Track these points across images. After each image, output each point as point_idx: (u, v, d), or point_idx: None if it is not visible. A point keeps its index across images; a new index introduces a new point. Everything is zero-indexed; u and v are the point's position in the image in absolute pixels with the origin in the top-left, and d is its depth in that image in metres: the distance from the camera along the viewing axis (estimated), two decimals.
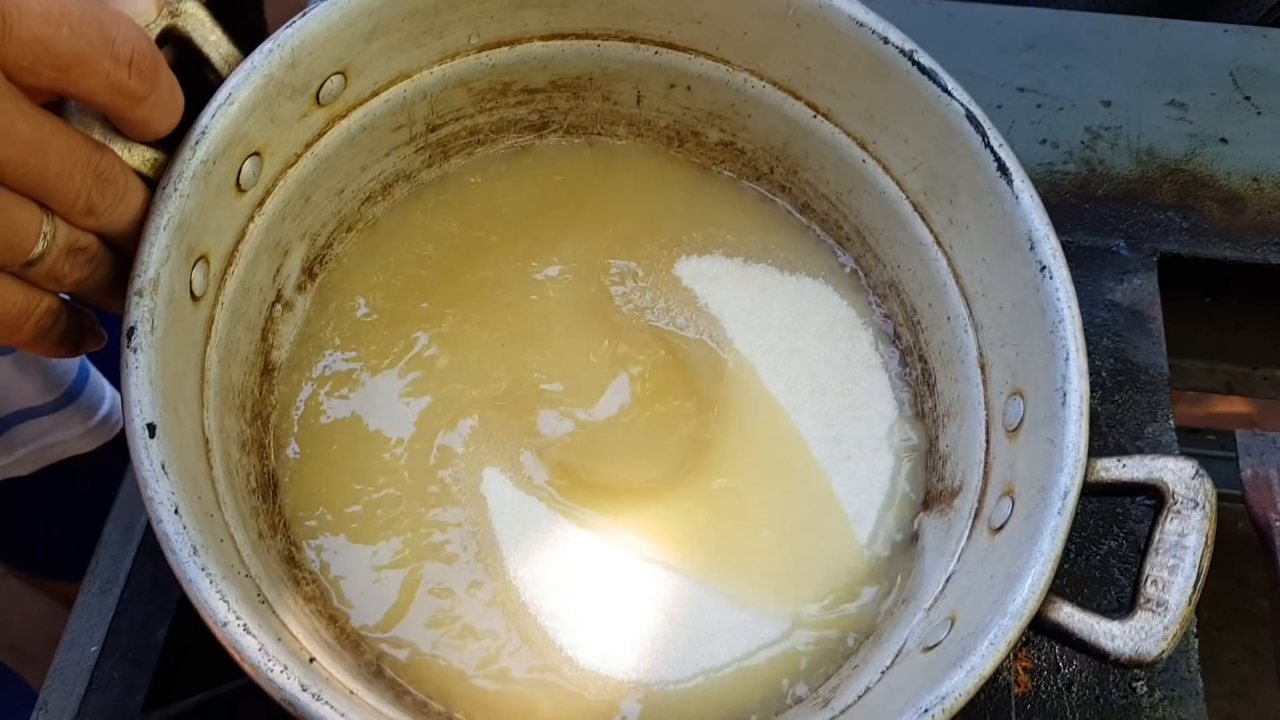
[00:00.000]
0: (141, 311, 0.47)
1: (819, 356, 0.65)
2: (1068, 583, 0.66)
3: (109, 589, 0.61)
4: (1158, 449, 0.72)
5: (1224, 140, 0.85)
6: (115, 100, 0.43)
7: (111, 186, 0.46)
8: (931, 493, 0.61)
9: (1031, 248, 0.54)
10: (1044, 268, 0.53)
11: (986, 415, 0.58)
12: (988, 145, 0.55)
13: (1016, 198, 0.54)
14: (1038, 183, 0.82)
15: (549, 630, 0.59)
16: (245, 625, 0.44)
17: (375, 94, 0.60)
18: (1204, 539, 0.48)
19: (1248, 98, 0.87)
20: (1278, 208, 0.82)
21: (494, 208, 0.67)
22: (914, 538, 0.61)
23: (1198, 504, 0.48)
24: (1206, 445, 1.04)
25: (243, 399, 0.58)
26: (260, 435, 0.60)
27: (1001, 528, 0.53)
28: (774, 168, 0.67)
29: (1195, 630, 0.67)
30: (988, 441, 0.57)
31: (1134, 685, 0.64)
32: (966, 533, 0.56)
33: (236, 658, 0.43)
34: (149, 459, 0.45)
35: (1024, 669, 0.64)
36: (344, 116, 0.59)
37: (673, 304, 0.66)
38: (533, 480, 0.62)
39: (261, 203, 0.57)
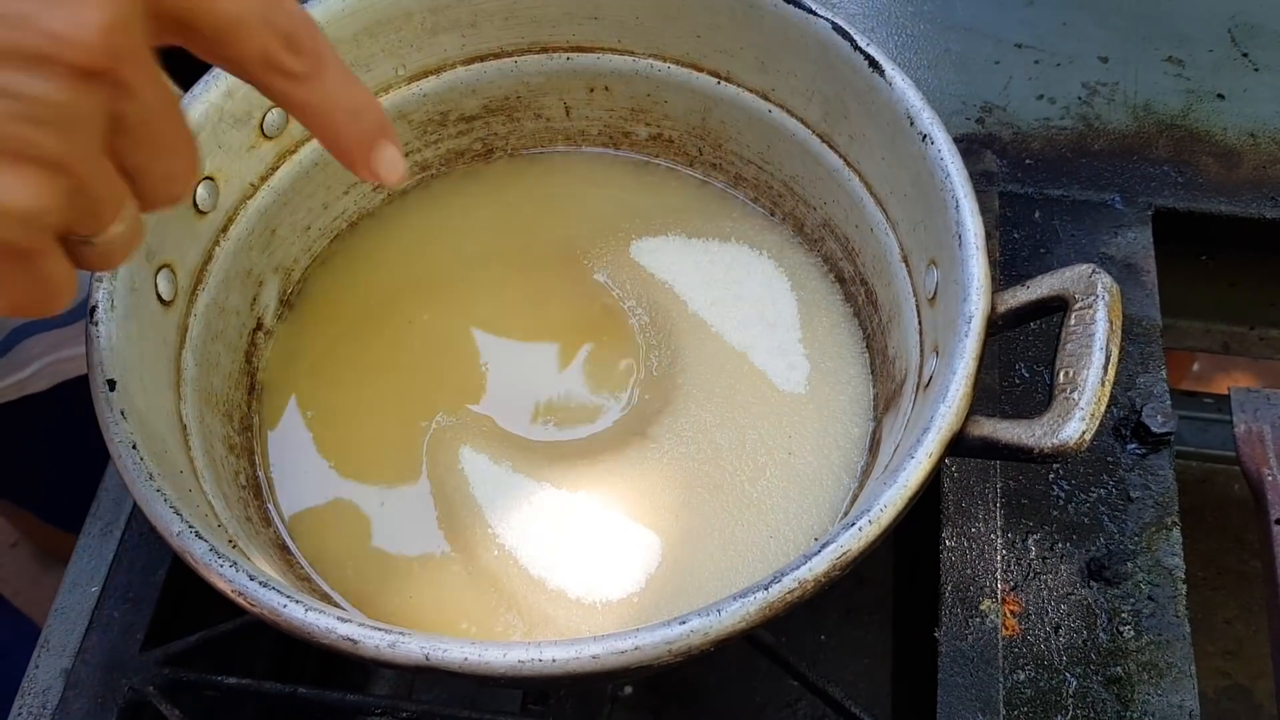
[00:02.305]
0: (101, 293, 0.53)
1: (765, 298, 0.68)
2: (1058, 529, 0.65)
3: (110, 531, 0.64)
4: (1150, 399, 0.71)
5: (1221, 96, 0.85)
6: (268, 75, 0.41)
7: (195, 173, 0.42)
8: (886, 395, 0.62)
9: (912, 123, 0.57)
10: (925, 136, 0.56)
11: (916, 301, 0.60)
12: (857, 48, 0.59)
13: (890, 84, 0.58)
14: (1034, 138, 0.86)
15: (539, 587, 0.61)
16: (197, 531, 0.47)
17: None
18: (1109, 325, 0.48)
19: (1245, 54, 0.88)
20: (1273, 163, 0.83)
21: (456, 232, 0.73)
22: (875, 443, 0.62)
23: (1097, 295, 0.49)
24: (1203, 408, 1.01)
25: (228, 408, 0.63)
26: (249, 444, 0.64)
27: (930, 381, 0.54)
28: (701, 149, 0.72)
29: (1184, 576, 0.64)
30: (919, 321, 0.59)
31: (1121, 629, 0.62)
32: (911, 404, 0.57)
33: (189, 561, 0.47)
34: (109, 407, 0.50)
35: (1011, 613, 0.63)
36: (294, 152, 0.66)
37: (625, 280, 0.70)
38: (510, 453, 0.64)
39: (225, 229, 0.63)
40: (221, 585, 0.46)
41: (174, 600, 0.63)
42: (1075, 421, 0.47)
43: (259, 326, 0.67)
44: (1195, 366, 1.81)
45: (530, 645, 0.44)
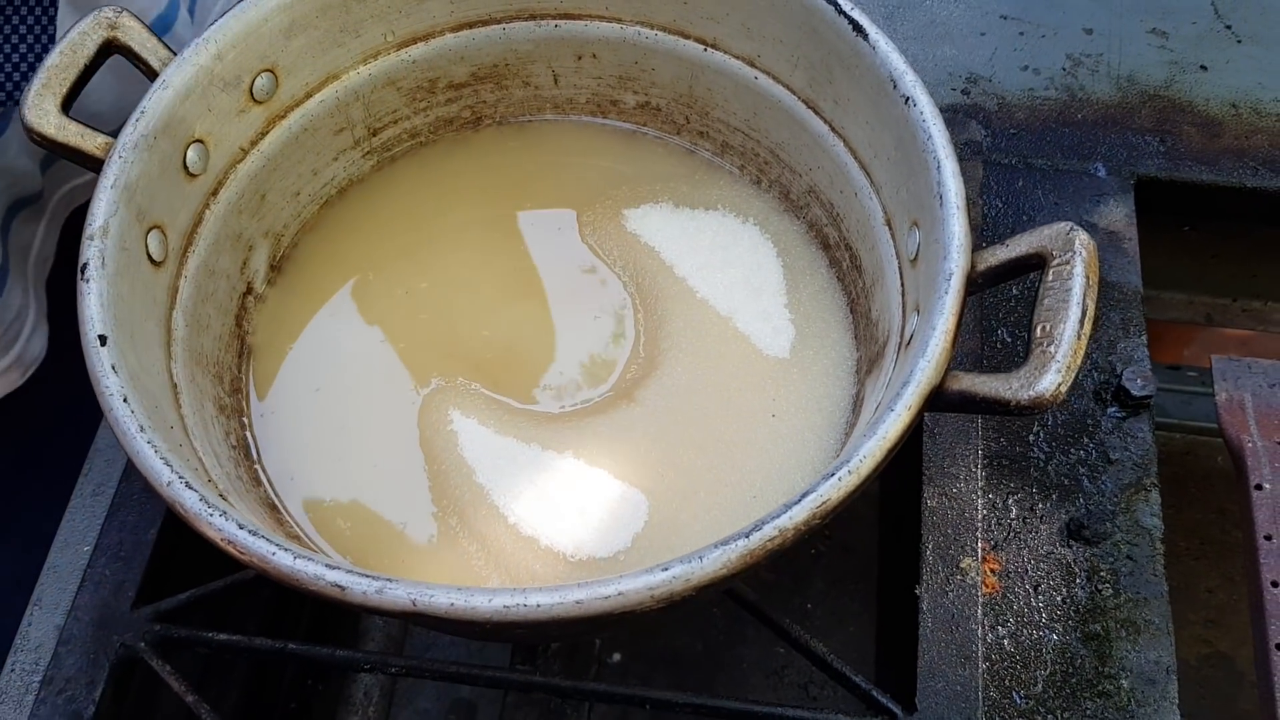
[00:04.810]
0: (92, 251, 0.54)
1: (751, 264, 0.69)
2: (1038, 490, 0.66)
3: (102, 491, 0.65)
4: (1130, 363, 0.72)
5: (1204, 67, 0.87)
6: None
7: None
8: (869, 357, 0.63)
9: (895, 86, 0.57)
10: (908, 99, 0.57)
11: (898, 263, 0.60)
12: (841, 12, 0.60)
13: (874, 48, 0.59)
14: (1018, 108, 0.87)
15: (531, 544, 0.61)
16: (187, 482, 0.48)
17: (309, 95, 0.67)
18: (1086, 280, 0.49)
19: (1228, 26, 0.89)
20: (1255, 133, 0.84)
21: (444, 199, 0.74)
22: (858, 404, 0.63)
23: (1075, 252, 0.50)
24: (1187, 381, 1.02)
25: (219, 370, 0.64)
26: (239, 405, 0.65)
27: (910, 339, 0.55)
28: (689, 116, 0.73)
29: (1162, 536, 0.65)
30: (901, 282, 0.60)
31: (1100, 588, 0.63)
32: (893, 364, 0.58)
33: (179, 511, 0.47)
34: (100, 361, 0.51)
35: (992, 571, 0.64)
36: (283, 116, 0.67)
37: (613, 247, 0.70)
38: (500, 417, 0.65)
39: (215, 192, 0.64)
40: (211, 534, 0.47)
41: (165, 558, 0.64)
42: (1051, 374, 0.47)
43: (249, 290, 0.68)
44: (1185, 352, 1.82)
45: (515, 591, 0.44)
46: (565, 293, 0.69)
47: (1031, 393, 0.47)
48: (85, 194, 0.87)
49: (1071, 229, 0.51)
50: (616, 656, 0.87)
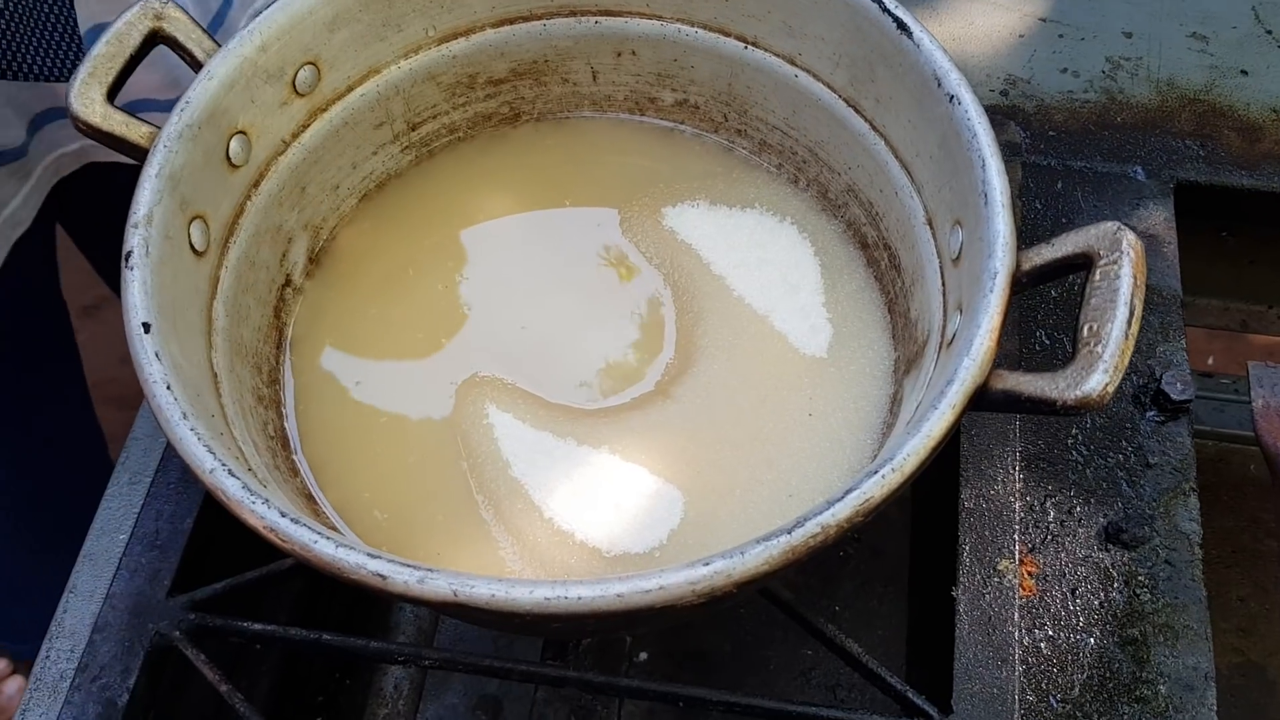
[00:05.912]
0: (136, 239, 0.54)
1: (789, 261, 0.68)
2: (1076, 493, 0.66)
3: (139, 480, 0.65)
4: (1169, 367, 0.71)
5: (1244, 72, 0.86)
6: None
7: None
8: (908, 357, 0.63)
9: (939, 84, 0.57)
10: (952, 97, 0.57)
11: (939, 262, 0.60)
12: (885, 10, 0.60)
13: (918, 46, 0.58)
14: (1057, 110, 0.87)
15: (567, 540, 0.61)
16: (229, 469, 0.48)
17: (350, 88, 0.68)
18: (1133, 280, 0.49)
19: (1269, 31, 0.88)
20: None
21: (482, 195, 0.74)
22: (896, 405, 0.62)
23: (1123, 251, 0.49)
24: (1221, 389, 1.01)
25: (258, 360, 0.64)
26: (278, 396, 0.65)
27: (953, 339, 0.54)
28: (727, 114, 0.73)
29: (1200, 541, 0.65)
30: (943, 281, 0.59)
31: (1137, 592, 0.63)
32: (933, 364, 0.57)
33: (221, 498, 0.47)
34: (144, 349, 0.51)
35: (1029, 574, 0.63)
36: (325, 110, 0.67)
37: (650, 244, 0.70)
38: (536, 411, 0.65)
39: (256, 183, 0.64)
40: (254, 522, 0.47)
41: (200, 548, 0.64)
42: (1099, 374, 0.47)
43: (288, 283, 0.68)
44: (1210, 360, 1.81)
45: (556, 583, 0.44)
46: (602, 289, 0.69)
47: (1078, 393, 0.47)
48: (73, 164, 0.90)
49: (1119, 229, 0.50)
50: (643, 655, 0.87)
